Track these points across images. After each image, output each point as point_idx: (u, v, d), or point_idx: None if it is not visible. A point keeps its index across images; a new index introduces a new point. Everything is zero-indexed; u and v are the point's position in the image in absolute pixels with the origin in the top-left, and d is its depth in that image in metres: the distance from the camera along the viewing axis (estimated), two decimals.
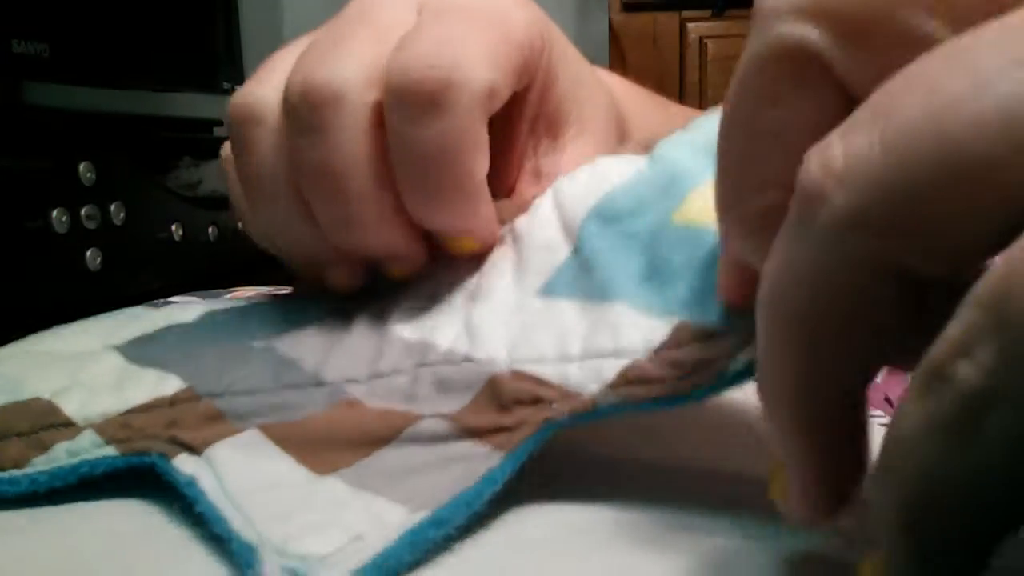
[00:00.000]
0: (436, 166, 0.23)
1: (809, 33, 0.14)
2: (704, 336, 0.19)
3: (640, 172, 0.23)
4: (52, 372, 0.26)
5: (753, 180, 0.15)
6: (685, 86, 2.22)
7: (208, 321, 0.29)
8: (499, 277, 0.24)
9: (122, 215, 0.44)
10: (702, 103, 2.13)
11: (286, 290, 0.45)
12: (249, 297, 0.33)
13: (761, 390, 0.15)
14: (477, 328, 0.23)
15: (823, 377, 0.13)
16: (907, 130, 0.11)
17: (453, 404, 0.21)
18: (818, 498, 0.15)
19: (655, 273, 0.21)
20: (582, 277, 0.22)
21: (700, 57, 2.23)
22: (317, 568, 0.16)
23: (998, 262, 0.10)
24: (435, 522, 0.17)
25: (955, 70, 0.11)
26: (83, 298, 0.41)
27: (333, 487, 0.19)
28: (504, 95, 0.25)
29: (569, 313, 0.22)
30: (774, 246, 0.13)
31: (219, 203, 0.58)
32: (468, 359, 0.22)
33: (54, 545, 0.19)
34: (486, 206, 0.25)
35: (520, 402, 0.20)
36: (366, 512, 0.18)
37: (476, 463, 0.19)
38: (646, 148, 0.24)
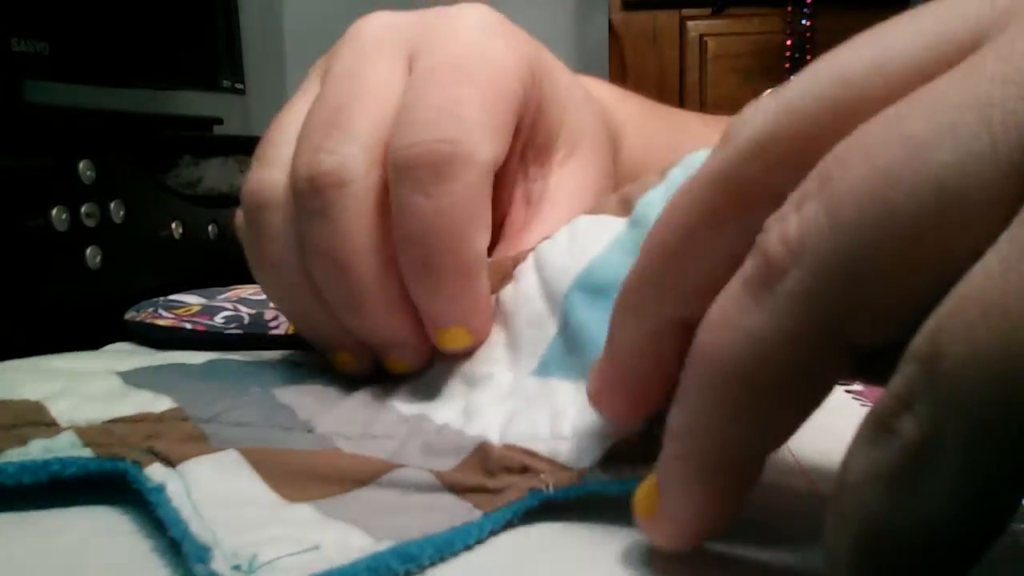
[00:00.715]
0: (437, 238, 0.23)
1: (756, 167, 0.14)
2: None
3: (620, 238, 0.23)
4: (50, 382, 0.26)
5: (666, 289, 0.16)
6: (685, 84, 2.22)
7: (212, 366, 0.29)
8: (494, 360, 0.25)
9: (122, 213, 0.45)
10: (702, 101, 2.13)
11: None
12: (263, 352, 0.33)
13: (676, 434, 0.15)
14: (474, 411, 0.23)
15: (749, 436, 0.14)
16: (850, 200, 0.12)
17: (439, 465, 0.21)
18: (692, 533, 0.15)
19: None
20: (572, 354, 0.23)
21: (700, 55, 2.22)
22: (267, 568, 0.16)
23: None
24: (398, 554, 0.17)
25: (892, 139, 0.12)
26: (83, 296, 0.41)
27: (301, 512, 0.19)
28: (504, 154, 0.25)
29: (562, 393, 0.22)
30: (720, 306, 0.14)
31: (219, 201, 0.58)
32: (460, 433, 0.22)
33: (5, 548, 0.19)
34: (484, 292, 0.24)
35: (508, 469, 0.20)
36: (329, 533, 0.18)
37: (455, 515, 0.19)
38: (625, 203, 0.24)
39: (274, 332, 0.37)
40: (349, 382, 0.27)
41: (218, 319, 0.38)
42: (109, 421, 0.23)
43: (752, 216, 0.14)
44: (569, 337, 0.23)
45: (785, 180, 0.14)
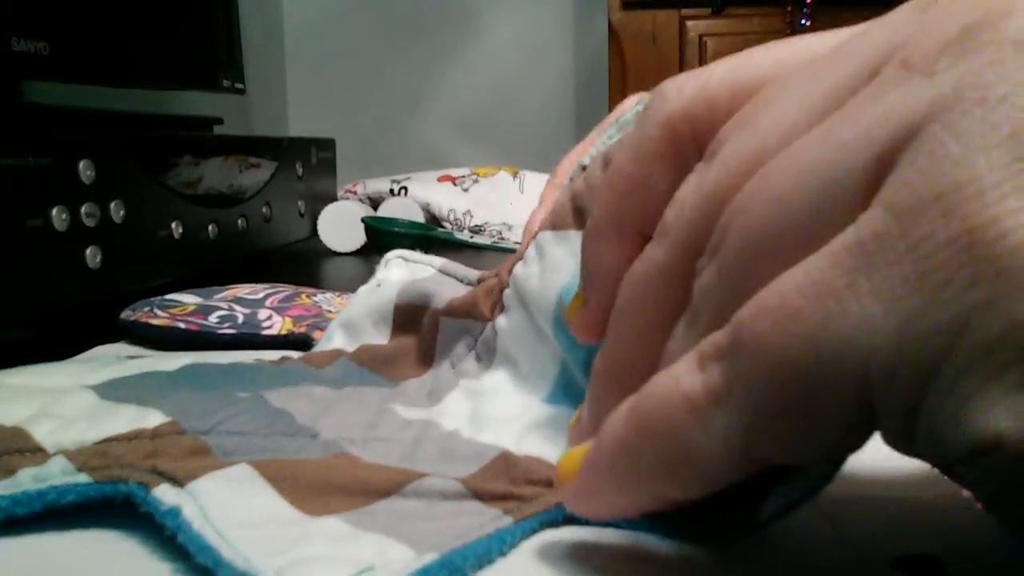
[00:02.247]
0: None
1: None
2: None
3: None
4: (22, 403, 0.24)
5: (624, 210, 0.19)
6: None
7: (190, 371, 0.28)
8: (500, 383, 0.25)
9: (122, 213, 0.45)
10: None
11: (284, 288, 0.45)
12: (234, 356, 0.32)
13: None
14: (483, 421, 0.23)
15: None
16: (735, 264, 0.15)
17: (459, 470, 0.20)
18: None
19: None
20: (576, 389, 0.23)
21: (699, 55, 2.22)
22: None
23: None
24: (446, 565, 0.16)
25: (758, 199, 0.14)
26: (83, 296, 0.41)
27: (330, 526, 0.18)
28: None
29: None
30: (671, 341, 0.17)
31: (219, 201, 0.58)
32: (473, 440, 0.22)
33: None
34: None
35: (533, 482, 0.20)
36: (366, 546, 0.17)
37: (486, 521, 0.18)
38: (580, 213, 0.24)
39: (267, 332, 0.37)
40: (334, 386, 0.26)
41: (212, 319, 0.38)
42: (101, 441, 0.21)
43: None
44: (571, 376, 0.24)
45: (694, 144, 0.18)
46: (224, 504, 0.18)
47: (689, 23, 2.23)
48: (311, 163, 0.77)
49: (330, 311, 0.41)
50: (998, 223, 0.11)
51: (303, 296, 0.44)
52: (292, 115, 1.36)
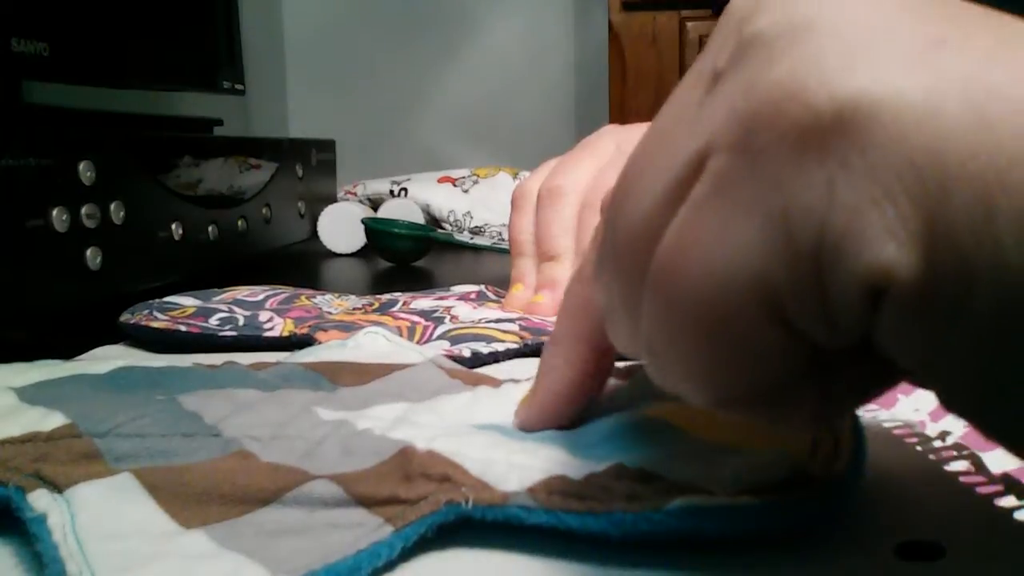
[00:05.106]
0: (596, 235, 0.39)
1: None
2: (640, 476, 0.18)
3: None
4: None
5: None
6: None
7: (121, 374, 0.28)
8: (442, 406, 0.25)
9: (122, 214, 0.45)
10: None
11: (284, 290, 0.45)
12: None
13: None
14: (404, 422, 0.22)
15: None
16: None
17: (353, 465, 0.20)
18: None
19: (603, 439, 0.21)
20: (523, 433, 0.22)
21: None
22: None
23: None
24: None
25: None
26: (83, 297, 0.41)
27: (195, 541, 0.18)
28: None
29: (503, 436, 0.21)
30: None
31: (219, 202, 0.58)
32: (382, 437, 0.21)
33: None
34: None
35: (427, 476, 0.19)
36: (222, 567, 0.17)
37: (362, 533, 0.18)
38: None
39: (269, 334, 0.37)
40: (265, 388, 0.26)
41: (212, 321, 0.38)
42: None
43: None
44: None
45: None
46: (96, 513, 0.18)
47: (689, 24, 2.24)
48: (311, 164, 0.77)
49: (330, 312, 0.41)
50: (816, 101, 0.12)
51: (302, 298, 0.44)
52: (292, 116, 1.36)
